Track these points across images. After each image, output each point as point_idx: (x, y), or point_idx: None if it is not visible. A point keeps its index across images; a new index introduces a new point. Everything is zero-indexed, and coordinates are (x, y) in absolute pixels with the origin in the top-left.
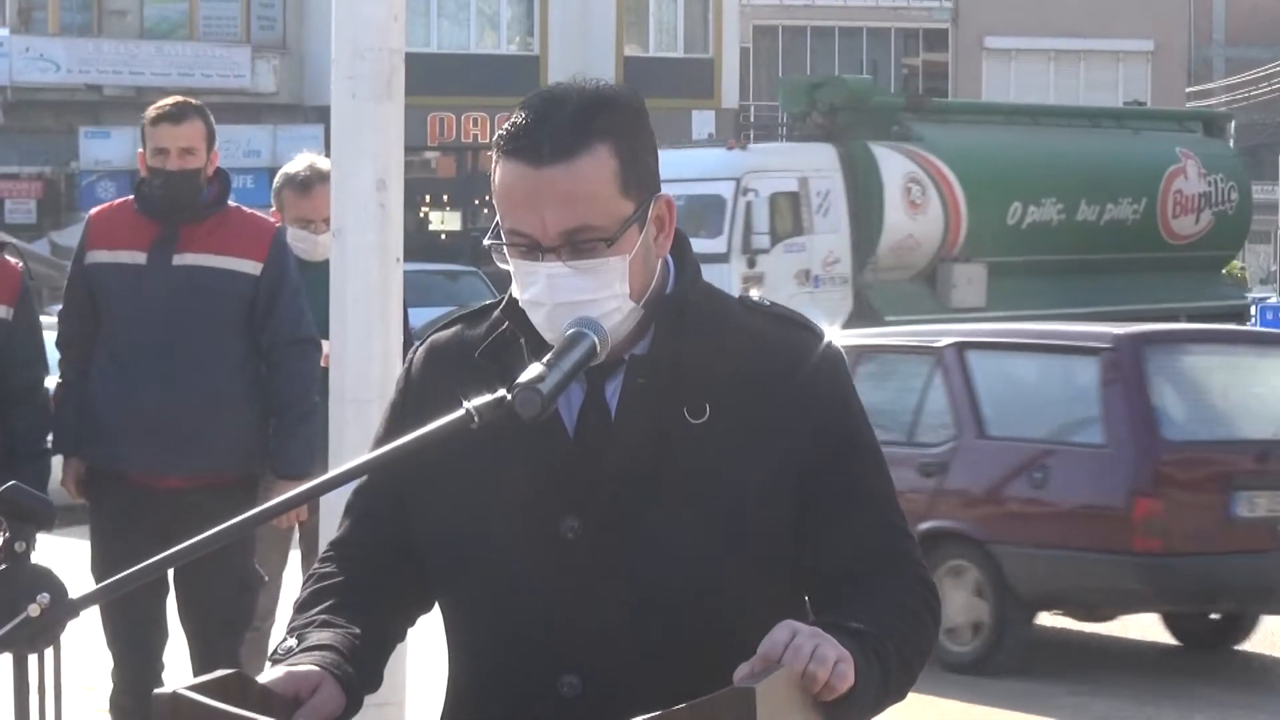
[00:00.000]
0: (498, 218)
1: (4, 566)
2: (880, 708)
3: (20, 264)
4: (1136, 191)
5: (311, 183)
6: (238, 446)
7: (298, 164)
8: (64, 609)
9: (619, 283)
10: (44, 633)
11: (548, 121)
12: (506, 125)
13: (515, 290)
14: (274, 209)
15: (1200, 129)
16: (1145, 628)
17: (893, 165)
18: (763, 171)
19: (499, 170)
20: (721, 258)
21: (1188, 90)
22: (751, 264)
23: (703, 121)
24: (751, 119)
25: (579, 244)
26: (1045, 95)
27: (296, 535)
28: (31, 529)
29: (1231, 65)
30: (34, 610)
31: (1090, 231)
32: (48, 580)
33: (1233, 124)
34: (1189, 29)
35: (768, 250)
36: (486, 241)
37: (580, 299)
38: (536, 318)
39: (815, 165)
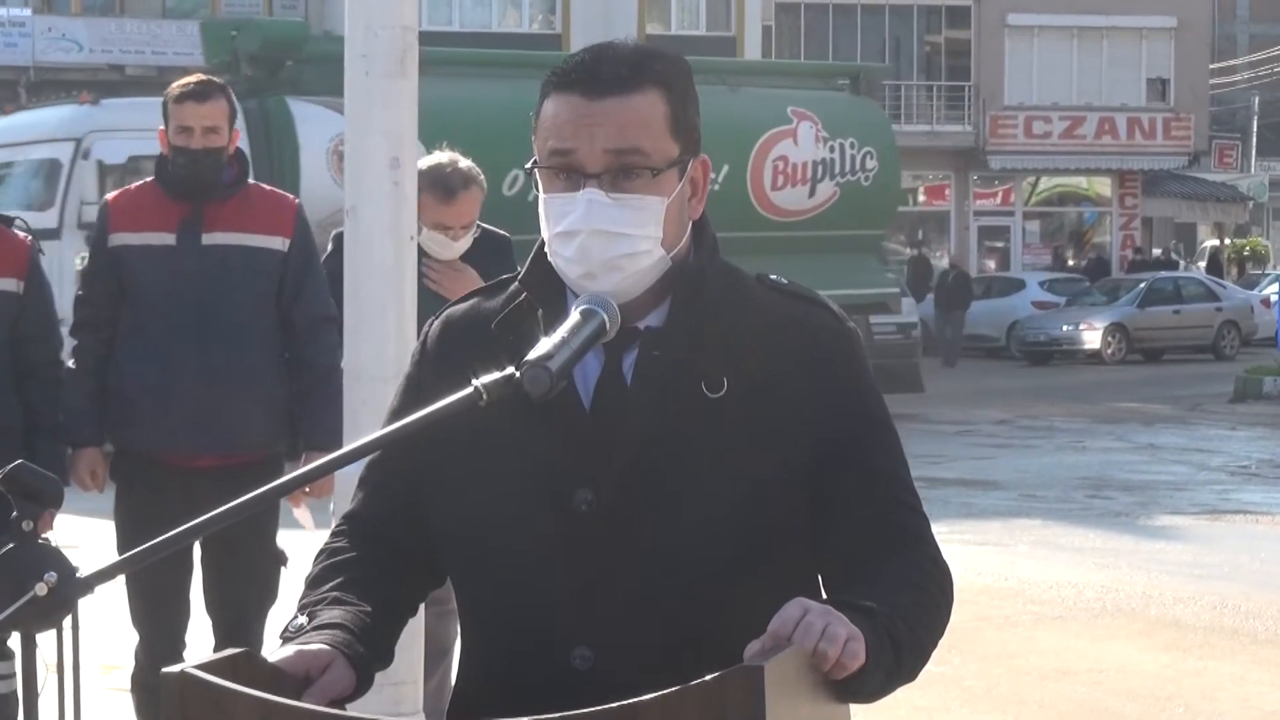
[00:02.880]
0: (536, 152)
1: (11, 546)
2: (892, 687)
3: (29, 238)
4: (715, 159)
5: (456, 189)
6: (271, 423)
7: (440, 161)
8: (72, 587)
9: (654, 224)
10: (52, 612)
11: (604, 60)
12: (557, 67)
13: (547, 227)
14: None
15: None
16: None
17: (319, 125)
18: (115, 131)
19: (549, 104)
20: (53, 234)
21: (1211, 67)
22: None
23: None
24: None
25: (625, 169)
26: (1068, 72)
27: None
28: (39, 508)
29: (1256, 42)
30: (41, 589)
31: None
32: (55, 559)
33: (882, 82)
34: (1212, 5)
35: None
36: (528, 166)
37: (617, 230)
38: (568, 250)
39: None
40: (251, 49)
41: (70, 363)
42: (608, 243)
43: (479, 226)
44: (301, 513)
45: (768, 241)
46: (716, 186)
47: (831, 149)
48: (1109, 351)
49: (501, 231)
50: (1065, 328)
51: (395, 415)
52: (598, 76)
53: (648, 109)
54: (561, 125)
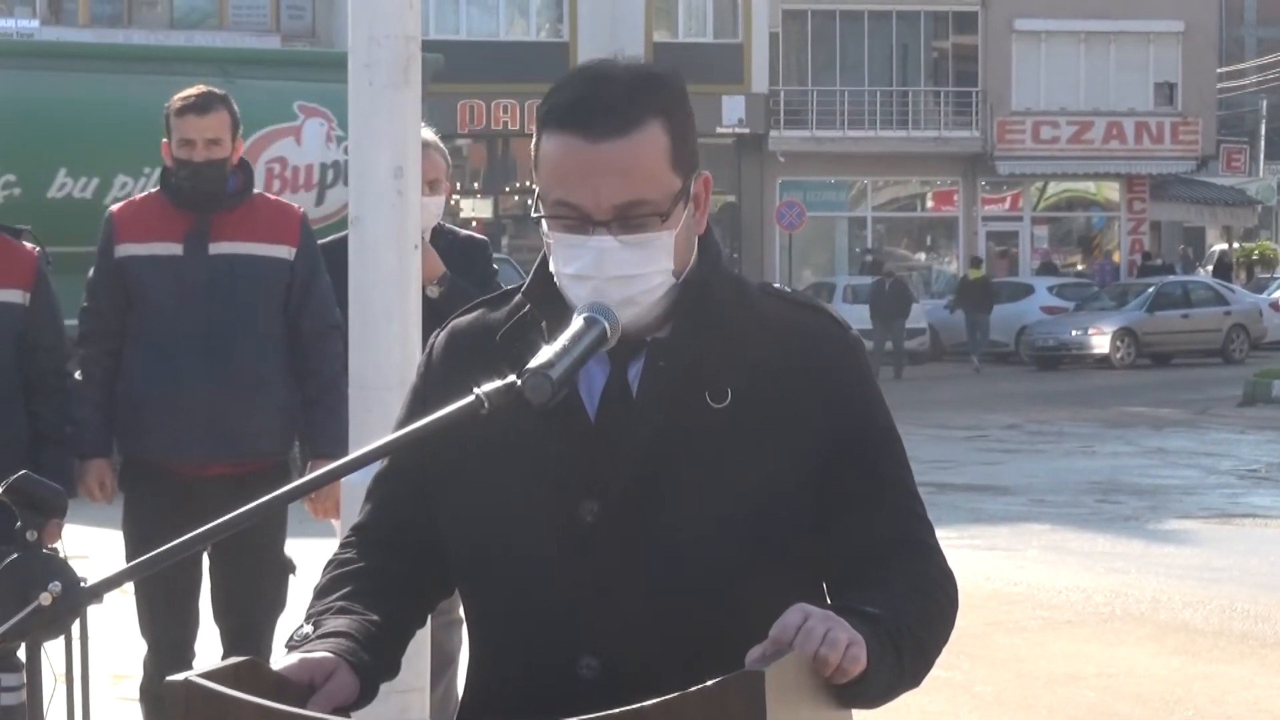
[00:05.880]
0: (539, 190)
1: (15, 556)
2: (895, 693)
3: (37, 249)
4: None
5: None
6: (280, 430)
7: None
8: (78, 596)
9: (665, 257)
10: (58, 621)
11: (602, 96)
12: (554, 98)
13: (556, 265)
14: None
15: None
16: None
17: None
18: None
19: (548, 143)
20: None
21: (1219, 70)
22: None
23: (733, 106)
24: (782, 103)
25: (631, 218)
26: (1075, 76)
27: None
28: (43, 518)
29: (1263, 45)
30: (45, 599)
31: (80, 214)
32: (60, 569)
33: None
34: (1220, 9)
35: None
36: (534, 214)
37: (629, 273)
38: (580, 291)
39: None
40: None
41: (77, 374)
42: (622, 285)
43: (455, 230)
44: (338, 524)
45: None
46: None
47: (348, 150)
48: (1118, 356)
49: (480, 236)
50: (1074, 332)
51: (401, 427)
52: (595, 115)
53: (649, 149)
54: (565, 175)
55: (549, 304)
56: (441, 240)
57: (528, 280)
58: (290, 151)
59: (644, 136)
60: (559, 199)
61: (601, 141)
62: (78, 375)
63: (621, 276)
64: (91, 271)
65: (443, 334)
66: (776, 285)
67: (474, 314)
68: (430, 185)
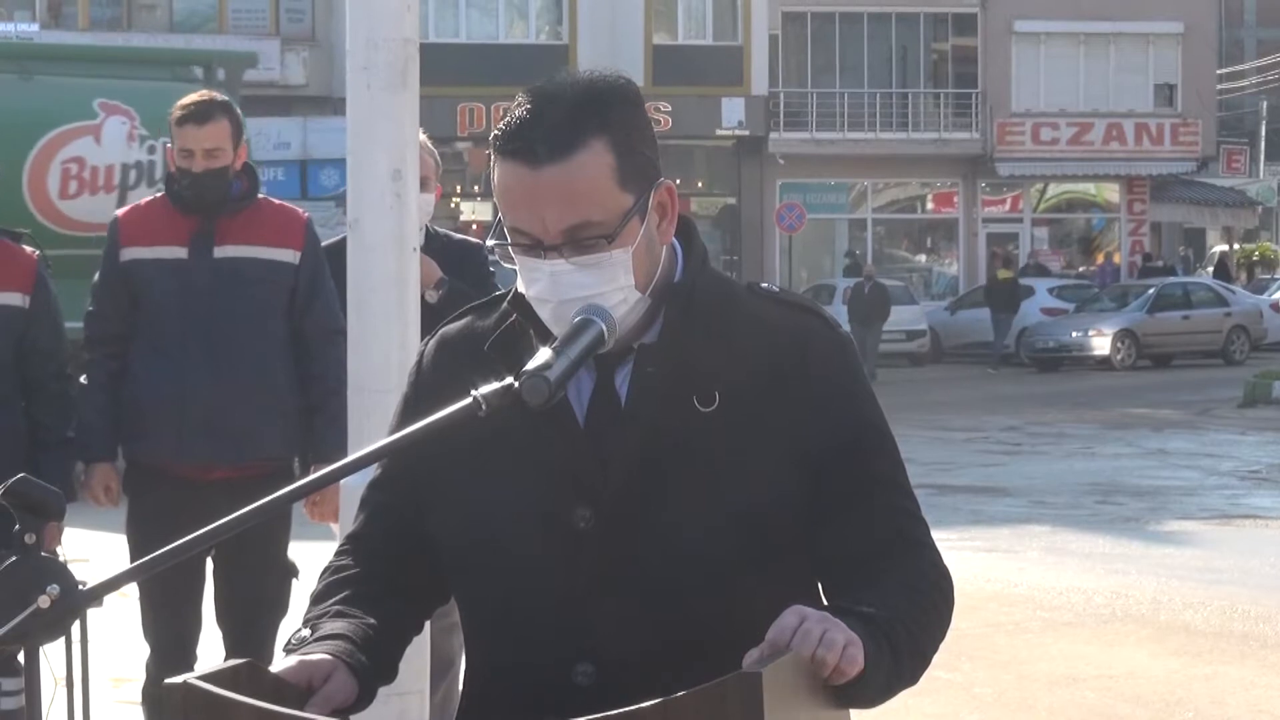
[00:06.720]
0: (500, 215)
1: (13, 559)
2: (892, 692)
3: (37, 253)
4: None
5: None
6: (284, 434)
7: None
8: (77, 599)
9: (623, 275)
10: (56, 624)
11: (542, 120)
12: (501, 124)
13: (521, 286)
14: None
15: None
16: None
17: None
18: None
19: (497, 170)
20: None
21: (1219, 72)
22: None
23: (733, 109)
24: (781, 105)
25: (580, 241)
26: (1075, 78)
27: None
28: (41, 521)
29: (1263, 47)
30: (44, 602)
31: None
32: (58, 572)
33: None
34: (1219, 10)
35: None
36: (491, 242)
37: (585, 294)
38: (543, 313)
39: None
40: None
41: (82, 378)
42: (580, 305)
43: (449, 234)
44: (337, 527)
45: (60, 261)
46: None
47: (152, 149)
48: (1118, 357)
49: (474, 240)
50: (1074, 334)
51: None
52: (535, 143)
53: (593, 170)
54: (513, 203)
55: (534, 312)
56: (435, 244)
57: (513, 289)
58: (89, 151)
59: (585, 159)
60: (511, 225)
61: (542, 168)
62: (83, 379)
63: (576, 298)
64: (97, 276)
65: (432, 342)
66: (764, 285)
67: (463, 321)
68: (420, 184)
